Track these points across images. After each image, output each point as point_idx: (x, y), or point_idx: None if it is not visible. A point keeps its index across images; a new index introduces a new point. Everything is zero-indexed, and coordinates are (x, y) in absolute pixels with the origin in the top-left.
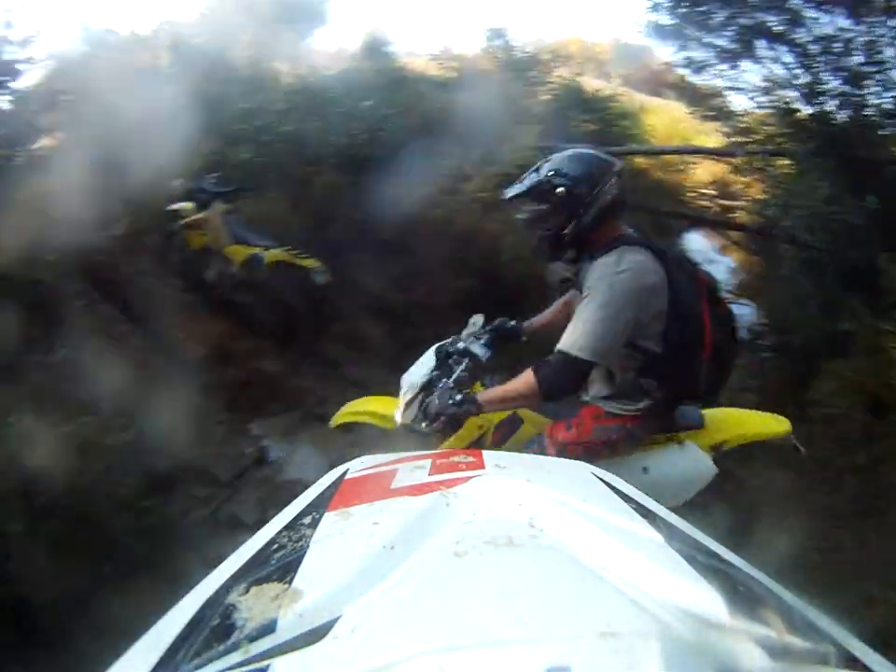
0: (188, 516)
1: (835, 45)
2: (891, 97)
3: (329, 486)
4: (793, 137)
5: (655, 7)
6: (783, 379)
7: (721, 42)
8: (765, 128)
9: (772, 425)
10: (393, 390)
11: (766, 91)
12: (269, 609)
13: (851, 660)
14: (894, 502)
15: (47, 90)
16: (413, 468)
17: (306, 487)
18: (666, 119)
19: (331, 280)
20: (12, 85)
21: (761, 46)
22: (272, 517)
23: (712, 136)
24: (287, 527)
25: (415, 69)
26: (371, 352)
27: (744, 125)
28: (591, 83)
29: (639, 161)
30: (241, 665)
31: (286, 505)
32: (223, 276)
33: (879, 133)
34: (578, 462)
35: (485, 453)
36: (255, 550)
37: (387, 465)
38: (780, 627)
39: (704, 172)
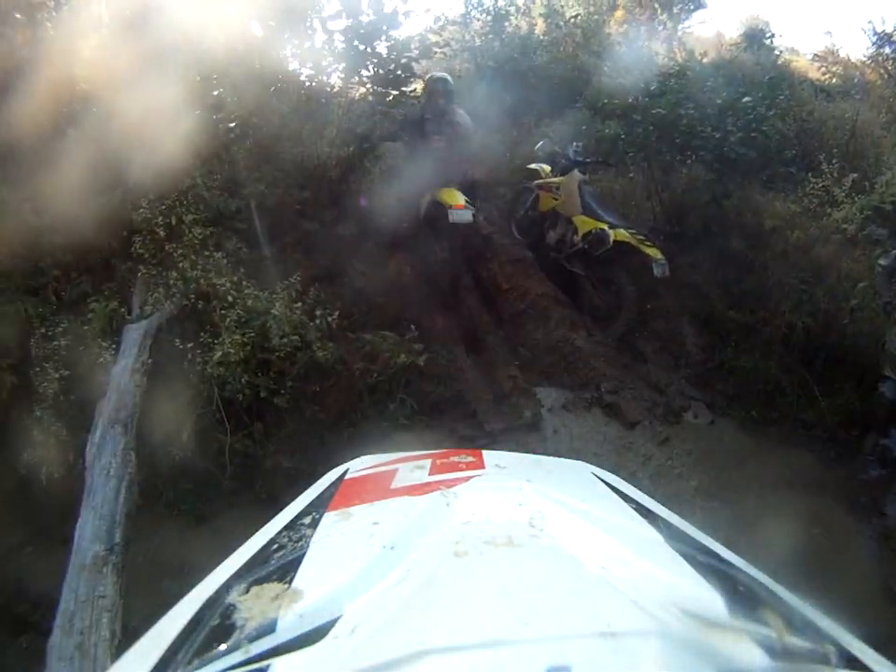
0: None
1: None
2: None
3: (329, 486)
4: None
5: None
6: None
7: None
8: None
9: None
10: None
11: None
12: (269, 609)
13: (851, 660)
14: None
15: (422, 41)
16: (413, 468)
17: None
18: None
19: (668, 275)
20: (392, 33)
21: None
22: None
23: None
24: (287, 527)
25: (796, 68)
26: (681, 361)
27: None
28: None
29: None
30: (241, 664)
31: None
32: (564, 242)
33: None
34: (578, 462)
35: (485, 453)
36: (255, 550)
37: (387, 465)
38: (780, 627)
39: None
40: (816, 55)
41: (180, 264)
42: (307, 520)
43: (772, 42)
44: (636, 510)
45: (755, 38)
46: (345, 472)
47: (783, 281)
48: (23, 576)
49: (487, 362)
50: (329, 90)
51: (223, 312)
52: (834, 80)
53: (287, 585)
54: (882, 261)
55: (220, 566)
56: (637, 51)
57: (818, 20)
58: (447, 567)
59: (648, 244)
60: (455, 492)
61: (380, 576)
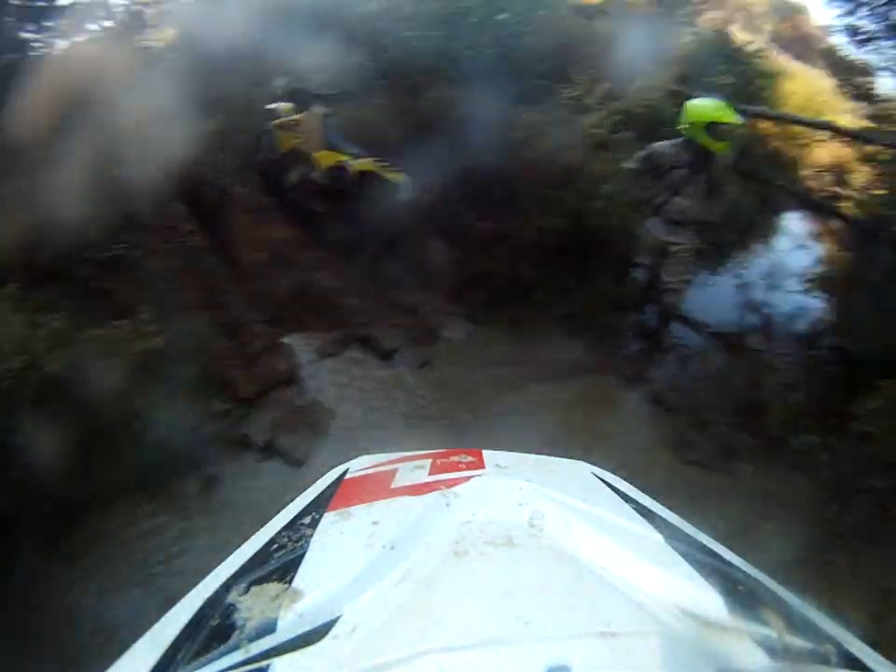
0: (199, 431)
1: None
2: None
3: (329, 486)
4: None
5: None
6: (834, 384)
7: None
8: None
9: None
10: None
11: None
12: (269, 609)
13: (851, 660)
14: None
15: None
16: (413, 467)
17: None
18: (805, 88)
19: (415, 198)
20: None
21: None
22: (282, 443)
23: (848, 117)
24: (286, 527)
25: None
26: (433, 279)
27: (890, 111)
28: (739, 35)
29: (765, 125)
30: (241, 664)
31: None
32: (305, 181)
33: None
34: (578, 462)
35: (485, 452)
36: (255, 550)
37: (387, 465)
38: (780, 627)
39: (826, 152)
40: None
41: None
42: (307, 520)
43: None
44: (636, 510)
45: None
46: (345, 472)
47: (533, 188)
48: None
49: (230, 324)
50: None
51: None
52: (600, 2)
53: (286, 585)
54: (630, 163)
55: (220, 566)
56: None
57: None
58: (447, 567)
59: (392, 170)
60: (455, 492)
61: (380, 576)
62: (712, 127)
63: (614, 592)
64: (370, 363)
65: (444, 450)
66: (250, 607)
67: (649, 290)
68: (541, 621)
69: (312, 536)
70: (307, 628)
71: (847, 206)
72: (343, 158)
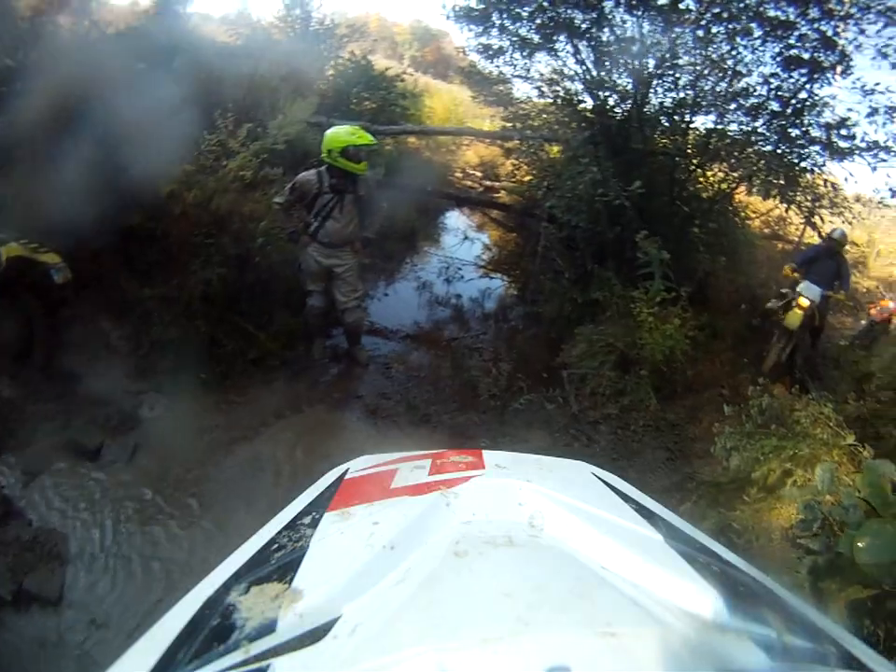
0: None
1: (634, 46)
2: (672, 98)
3: (329, 486)
4: (569, 126)
5: None
6: (536, 346)
7: (522, 31)
8: (544, 116)
9: None
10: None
11: (553, 83)
12: (269, 609)
13: (851, 660)
14: (647, 445)
15: None
16: (412, 468)
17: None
18: (447, 102)
19: (71, 278)
20: None
21: (560, 40)
22: (29, 586)
23: (487, 121)
24: (287, 527)
25: (207, 32)
26: (117, 358)
27: (523, 112)
28: (381, 62)
29: (411, 141)
30: (241, 664)
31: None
32: None
33: (656, 127)
34: (578, 462)
35: (485, 453)
36: (255, 550)
37: (387, 465)
38: (780, 627)
39: (474, 154)
40: (226, 18)
41: None
42: (307, 520)
43: (186, 9)
44: (636, 510)
45: (169, 5)
46: (345, 472)
47: (190, 241)
48: None
49: None
50: None
51: None
52: (240, 41)
53: (286, 585)
54: (278, 198)
55: (220, 565)
56: (40, 27)
57: None
58: (447, 567)
59: (43, 250)
60: (455, 492)
61: (380, 576)
62: (348, 151)
63: (614, 592)
64: (80, 469)
65: (444, 450)
66: (250, 607)
67: (328, 315)
68: (541, 621)
69: (312, 536)
70: (307, 628)
71: (501, 196)
72: None
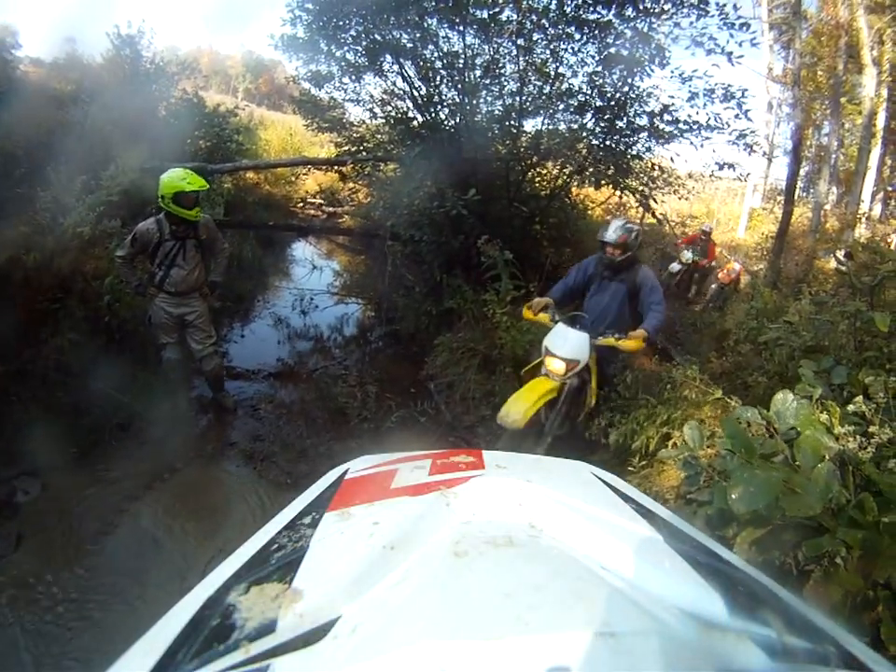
0: None
1: (459, 60)
2: (501, 105)
3: (329, 486)
4: (403, 143)
5: (294, 21)
6: (400, 363)
7: (349, 56)
8: (378, 136)
9: None
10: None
11: (384, 103)
12: (269, 609)
13: (851, 660)
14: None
15: None
16: (412, 468)
17: None
18: (282, 133)
19: None
20: None
21: (387, 60)
22: None
23: (326, 148)
24: (287, 527)
25: (38, 79)
26: None
27: (358, 135)
28: (214, 98)
29: (250, 176)
30: (241, 664)
31: None
32: None
33: (488, 135)
34: (578, 462)
35: (485, 453)
36: (255, 550)
37: (387, 465)
38: (780, 627)
39: (313, 182)
40: (55, 62)
41: None
42: (307, 520)
43: (14, 53)
44: (636, 510)
45: None
46: (345, 472)
47: (34, 307)
48: None
49: None
50: None
51: None
52: (70, 87)
53: (286, 585)
54: (119, 252)
55: (220, 565)
56: None
57: (64, 26)
58: (447, 567)
59: None
60: (455, 492)
61: (380, 576)
62: (180, 197)
63: (614, 592)
64: None
65: (444, 450)
66: (250, 607)
67: (186, 366)
68: (541, 621)
69: (312, 536)
70: (307, 628)
71: (344, 221)
72: None
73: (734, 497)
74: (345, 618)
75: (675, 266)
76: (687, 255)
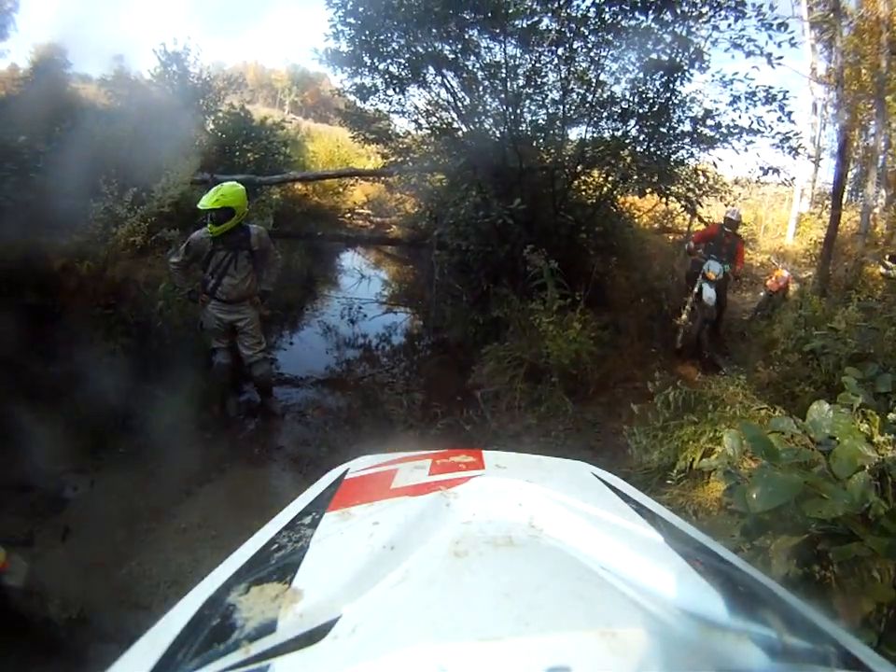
0: None
1: (502, 70)
2: (544, 114)
3: (329, 486)
4: (448, 154)
5: (336, 35)
6: (446, 371)
7: (392, 68)
8: (423, 147)
9: None
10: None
11: (429, 114)
12: (269, 609)
13: (851, 660)
14: (571, 447)
15: None
16: (412, 468)
17: None
18: (329, 145)
19: None
20: None
21: (429, 72)
22: None
23: (371, 159)
24: (287, 527)
25: (86, 95)
26: (30, 442)
27: (403, 146)
28: (260, 111)
29: (298, 187)
30: (241, 664)
31: None
32: None
33: (532, 144)
34: (578, 462)
35: (485, 453)
36: (255, 550)
37: (387, 465)
38: (780, 627)
39: (360, 193)
40: (104, 80)
41: None
42: (307, 520)
43: (66, 71)
44: (636, 510)
45: (47, 69)
46: (345, 472)
47: (88, 313)
48: None
49: None
50: None
51: None
52: (119, 103)
53: (286, 585)
54: (173, 259)
55: (220, 566)
56: None
57: (114, 42)
58: (447, 567)
59: None
60: (456, 492)
61: (380, 576)
62: (202, 213)
63: (614, 592)
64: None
65: (444, 450)
66: (250, 607)
67: (236, 371)
68: (541, 621)
69: (312, 536)
70: (307, 628)
71: (392, 231)
72: None
73: (753, 496)
74: (345, 618)
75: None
76: (715, 268)
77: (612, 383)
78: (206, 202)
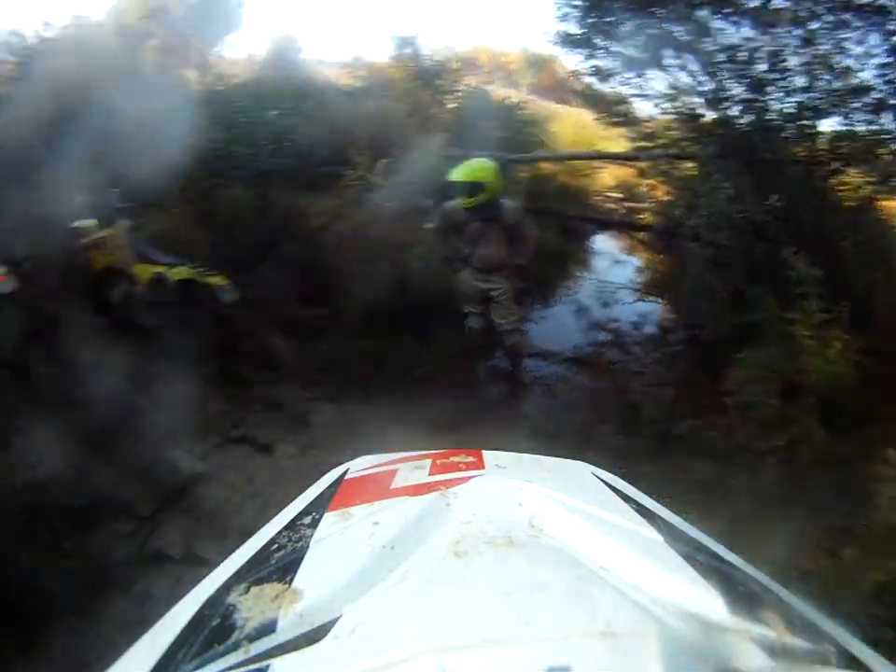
0: (111, 555)
1: (740, 53)
2: (794, 102)
3: (329, 486)
4: (697, 141)
5: (565, 17)
6: (697, 370)
7: (628, 51)
8: (669, 133)
9: None
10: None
11: (671, 98)
12: (269, 609)
13: (851, 660)
14: (815, 482)
15: None
16: (412, 468)
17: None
18: (572, 126)
19: (238, 298)
20: None
21: (667, 55)
22: (199, 549)
23: (617, 142)
24: (287, 527)
25: (325, 78)
26: (284, 370)
27: (649, 130)
28: (499, 91)
29: (546, 166)
30: (241, 664)
31: (215, 535)
32: (130, 297)
33: (781, 135)
34: (578, 462)
35: (485, 453)
36: (255, 550)
37: (387, 465)
38: (780, 627)
39: (609, 176)
40: (343, 63)
41: None
42: (307, 520)
43: (300, 56)
44: (636, 510)
45: (283, 55)
46: (345, 472)
47: (348, 267)
48: None
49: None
50: None
51: None
52: (359, 84)
53: (286, 585)
54: (431, 224)
55: (220, 566)
56: (171, 80)
57: (348, 31)
58: (447, 567)
59: (210, 274)
60: (455, 492)
61: (380, 576)
62: (447, 186)
63: (614, 592)
64: (253, 460)
65: (444, 450)
66: (250, 607)
67: (486, 336)
68: (541, 621)
69: (312, 536)
70: (307, 628)
71: (644, 218)
72: (159, 268)
73: None
74: (345, 618)
75: None
76: None
77: (873, 419)
78: (455, 175)
